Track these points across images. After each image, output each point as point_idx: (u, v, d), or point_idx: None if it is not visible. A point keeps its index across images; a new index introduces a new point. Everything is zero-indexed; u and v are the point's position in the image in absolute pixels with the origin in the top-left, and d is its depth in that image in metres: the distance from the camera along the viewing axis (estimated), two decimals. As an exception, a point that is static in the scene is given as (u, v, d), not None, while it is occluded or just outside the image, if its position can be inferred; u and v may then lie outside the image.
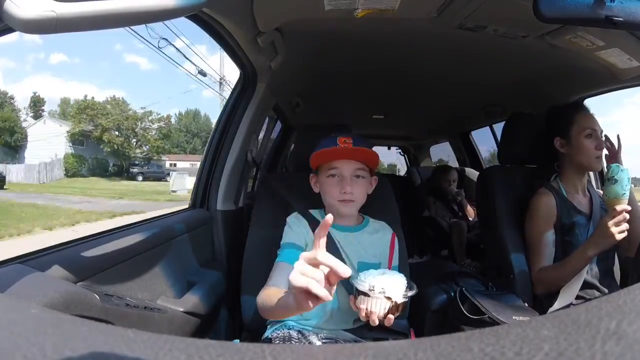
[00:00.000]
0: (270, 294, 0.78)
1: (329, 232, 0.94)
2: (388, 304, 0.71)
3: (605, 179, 1.01)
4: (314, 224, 0.98)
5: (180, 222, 1.08)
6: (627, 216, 0.97)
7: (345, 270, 0.54)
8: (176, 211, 1.24)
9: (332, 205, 0.96)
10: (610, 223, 0.98)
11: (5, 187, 15.10)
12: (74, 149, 21.46)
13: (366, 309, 0.72)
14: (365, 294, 0.72)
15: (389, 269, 0.94)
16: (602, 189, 1.05)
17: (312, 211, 1.02)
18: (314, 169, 1.01)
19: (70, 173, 20.42)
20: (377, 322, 0.72)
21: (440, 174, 2.74)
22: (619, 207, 0.97)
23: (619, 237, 0.98)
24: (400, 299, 0.72)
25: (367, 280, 0.73)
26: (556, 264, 1.15)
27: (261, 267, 1.03)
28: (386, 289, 0.71)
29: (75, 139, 21.69)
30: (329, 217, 0.56)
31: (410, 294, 0.73)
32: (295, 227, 0.97)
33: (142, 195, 13.65)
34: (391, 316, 0.72)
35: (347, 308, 0.92)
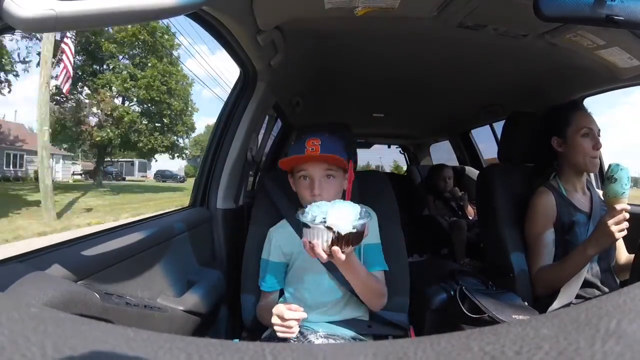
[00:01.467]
0: (267, 309, 0.90)
1: None
2: (330, 235, 0.67)
3: (605, 178, 1.01)
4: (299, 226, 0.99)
5: (180, 220, 1.07)
6: (627, 215, 0.98)
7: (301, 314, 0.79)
8: (176, 210, 1.23)
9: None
10: (611, 222, 0.98)
11: (185, 181, 27.88)
12: (187, 162, 36.19)
13: (308, 240, 0.69)
14: (307, 226, 0.68)
15: None
16: (602, 188, 1.06)
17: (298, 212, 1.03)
18: (288, 171, 0.99)
19: (189, 175, 32.31)
20: (323, 256, 0.69)
21: (435, 172, 2.74)
22: (618, 206, 0.97)
23: (618, 235, 0.98)
24: (344, 230, 0.66)
25: (310, 212, 0.69)
26: (556, 263, 1.15)
27: (261, 266, 1.03)
28: (328, 219, 0.66)
29: (189, 157, 34.58)
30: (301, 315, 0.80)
31: (357, 223, 0.67)
32: (274, 243, 1.00)
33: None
34: (336, 248, 0.68)
35: (345, 301, 0.93)
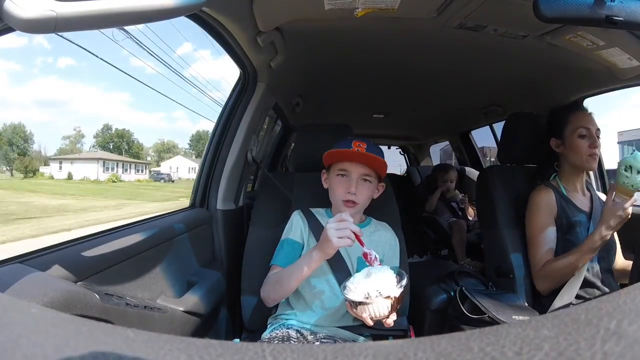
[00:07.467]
0: (281, 271, 0.90)
1: None
2: (389, 302, 0.71)
3: (617, 166, 1.02)
4: (314, 223, 1.00)
5: (180, 221, 1.07)
6: (634, 199, 0.99)
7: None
8: (176, 210, 1.23)
9: (337, 205, 0.98)
10: (617, 202, 1.00)
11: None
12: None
13: (370, 315, 0.72)
14: (364, 303, 0.71)
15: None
16: (615, 177, 1.06)
17: (315, 210, 1.04)
18: (325, 166, 1.03)
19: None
20: (391, 323, 0.74)
21: (439, 173, 2.73)
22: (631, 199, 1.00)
23: (627, 212, 1.00)
24: (397, 293, 0.72)
25: (358, 289, 0.73)
26: (564, 254, 1.12)
27: (261, 266, 1.03)
28: (381, 290, 0.71)
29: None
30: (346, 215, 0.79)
31: (403, 283, 0.73)
32: (296, 223, 1.01)
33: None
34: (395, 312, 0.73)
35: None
